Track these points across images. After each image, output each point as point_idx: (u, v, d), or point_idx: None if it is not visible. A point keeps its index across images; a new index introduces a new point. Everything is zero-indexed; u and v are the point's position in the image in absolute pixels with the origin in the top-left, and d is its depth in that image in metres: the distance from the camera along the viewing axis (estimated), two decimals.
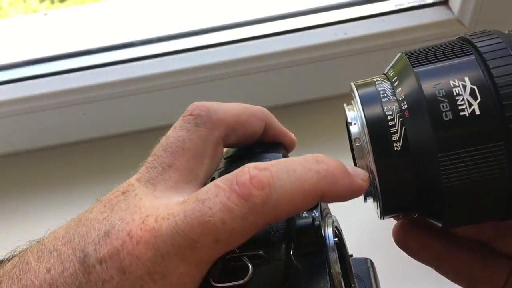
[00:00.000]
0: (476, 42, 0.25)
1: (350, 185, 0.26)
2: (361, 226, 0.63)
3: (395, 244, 0.33)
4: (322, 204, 0.30)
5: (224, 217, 0.22)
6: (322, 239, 0.27)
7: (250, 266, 0.24)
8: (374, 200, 0.29)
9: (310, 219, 0.27)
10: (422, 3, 0.70)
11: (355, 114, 0.28)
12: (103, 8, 0.80)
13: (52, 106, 0.71)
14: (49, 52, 0.73)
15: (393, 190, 0.26)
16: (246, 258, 0.25)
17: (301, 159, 0.25)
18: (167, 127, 0.78)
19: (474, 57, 0.25)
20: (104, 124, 0.74)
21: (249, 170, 0.23)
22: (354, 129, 0.27)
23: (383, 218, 0.29)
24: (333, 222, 0.29)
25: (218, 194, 0.23)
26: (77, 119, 0.73)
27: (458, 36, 0.27)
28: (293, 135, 0.34)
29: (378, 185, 0.26)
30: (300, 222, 0.27)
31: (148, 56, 0.70)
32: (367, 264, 0.36)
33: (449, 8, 0.69)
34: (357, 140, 0.27)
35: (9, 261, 0.26)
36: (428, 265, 0.32)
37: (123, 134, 0.76)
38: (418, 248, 0.32)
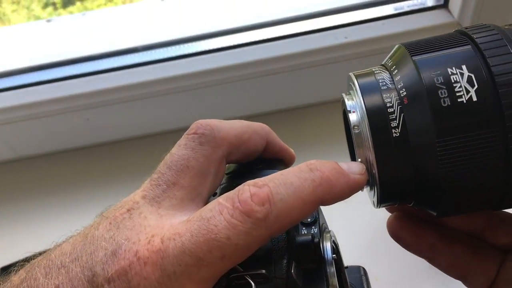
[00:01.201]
0: (472, 34, 0.26)
1: (347, 184, 0.26)
2: (354, 233, 0.63)
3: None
4: (320, 219, 0.31)
5: (229, 234, 0.23)
6: (321, 256, 0.28)
7: (253, 284, 0.25)
8: (371, 188, 0.29)
9: (310, 237, 0.28)
10: (422, 6, 0.70)
11: (354, 103, 0.28)
12: (105, 15, 0.80)
13: (56, 112, 0.72)
14: (52, 59, 0.73)
15: (391, 177, 0.27)
16: (249, 277, 0.25)
17: (296, 170, 0.26)
18: (170, 132, 0.79)
19: (471, 47, 0.25)
20: (107, 129, 0.75)
21: (249, 188, 0.24)
22: (353, 117, 0.28)
23: (379, 207, 0.30)
24: (330, 237, 0.30)
25: (222, 212, 0.24)
26: (80, 124, 0.73)
27: (455, 30, 0.28)
28: (292, 151, 0.35)
29: (376, 172, 0.27)
30: (300, 239, 0.28)
31: (150, 62, 0.71)
32: (360, 273, 0.37)
33: (449, 11, 0.69)
34: (356, 127, 0.27)
35: (15, 273, 0.26)
36: (422, 257, 0.33)
37: (126, 139, 0.77)
38: (412, 240, 0.32)
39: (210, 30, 0.72)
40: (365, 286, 0.36)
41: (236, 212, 0.24)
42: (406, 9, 0.70)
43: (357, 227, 0.63)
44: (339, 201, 0.26)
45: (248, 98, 0.74)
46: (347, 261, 0.34)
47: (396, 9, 0.70)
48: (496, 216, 0.32)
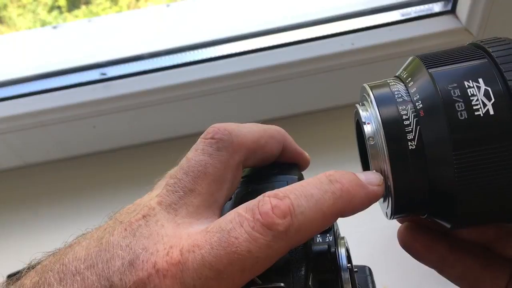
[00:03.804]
0: (488, 47, 0.25)
1: (366, 195, 0.26)
2: (362, 239, 0.63)
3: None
4: (334, 225, 0.31)
5: (250, 246, 0.23)
6: (337, 265, 0.28)
7: None
8: (384, 200, 0.29)
9: (326, 246, 0.28)
10: (429, 12, 0.70)
11: (369, 114, 0.28)
12: (111, 22, 0.80)
13: (62, 120, 0.72)
14: (58, 66, 0.73)
15: (406, 190, 0.27)
16: None
17: (316, 182, 0.25)
18: (176, 139, 0.78)
19: (487, 60, 0.25)
20: (113, 136, 0.75)
21: (270, 199, 0.24)
22: (368, 128, 0.28)
23: (392, 218, 0.30)
24: (345, 244, 0.30)
25: (243, 224, 0.23)
26: (86, 132, 0.73)
27: (468, 43, 0.28)
28: (307, 155, 0.34)
29: (391, 184, 0.27)
30: (317, 249, 0.28)
31: (155, 69, 0.71)
32: (366, 272, 0.37)
33: (457, 17, 0.69)
34: (371, 139, 0.27)
35: (25, 275, 0.26)
36: (432, 267, 0.33)
37: (132, 146, 0.77)
38: (423, 251, 0.32)
39: (216, 37, 0.72)
40: (371, 286, 0.36)
41: (257, 225, 0.23)
42: (413, 15, 0.70)
43: (365, 234, 0.63)
44: (357, 212, 0.26)
45: (253, 104, 0.74)
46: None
47: (403, 15, 0.70)
48: (507, 228, 0.32)
